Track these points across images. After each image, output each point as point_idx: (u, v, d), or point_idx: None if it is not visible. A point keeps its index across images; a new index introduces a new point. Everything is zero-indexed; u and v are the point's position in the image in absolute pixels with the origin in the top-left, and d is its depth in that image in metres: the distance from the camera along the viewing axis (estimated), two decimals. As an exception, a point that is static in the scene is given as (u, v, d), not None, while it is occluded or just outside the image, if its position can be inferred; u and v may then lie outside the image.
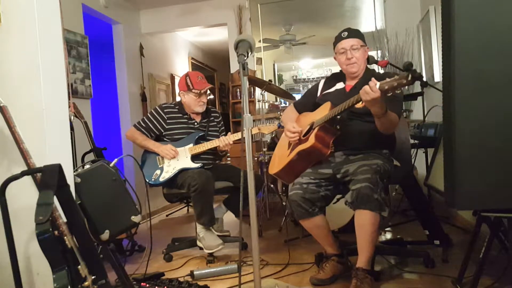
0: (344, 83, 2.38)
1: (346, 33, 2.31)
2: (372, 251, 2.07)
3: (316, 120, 2.22)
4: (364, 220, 2.00)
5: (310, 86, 2.71)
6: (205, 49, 7.51)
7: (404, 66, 1.75)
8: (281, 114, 3.73)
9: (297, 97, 3.49)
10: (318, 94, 2.45)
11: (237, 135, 2.90)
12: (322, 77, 2.55)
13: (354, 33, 2.31)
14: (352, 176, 2.08)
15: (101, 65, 5.00)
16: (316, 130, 2.16)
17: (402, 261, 2.49)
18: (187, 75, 3.04)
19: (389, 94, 1.83)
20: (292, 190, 2.23)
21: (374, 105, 1.95)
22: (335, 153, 2.25)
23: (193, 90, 2.96)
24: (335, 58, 2.38)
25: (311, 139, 2.16)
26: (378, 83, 1.84)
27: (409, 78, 1.71)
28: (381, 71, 3.96)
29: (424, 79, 3.66)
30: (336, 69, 2.53)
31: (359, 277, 2.01)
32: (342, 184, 2.21)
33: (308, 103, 2.49)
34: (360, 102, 1.96)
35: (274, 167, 2.41)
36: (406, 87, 1.78)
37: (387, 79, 1.82)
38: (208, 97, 3.09)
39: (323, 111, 2.21)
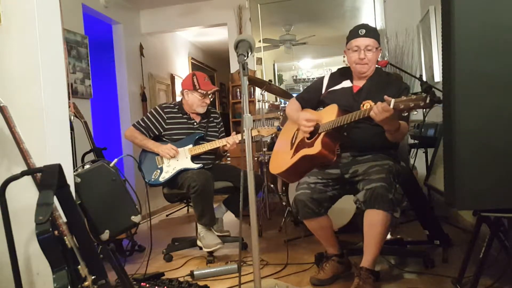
0: (351, 81, 2.30)
1: (364, 31, 2.19)
2: (379, 251, 2.04)
3: (322, 124, 2.15)
4: (376, 219, 1.97)
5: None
6: (205, 49, 7.50)
7: (424, 88, 1.70)
8: (281, 114, 3.74)
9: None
10: (323, 91, 2.37)
11: (239, 136, 2.89)
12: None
13: (372, 33, 2.21)
14: (365, 176, 2.04)
15: (101, 65, 5.00)
16: (322, 136, 2.10)
17: (402, 261, 2.49)
18: (193, 74, 3.04)
19: (405, 114, 1.77)
20: (299, 190, 2.18)
21: (386, 123, 1.91)
22: (341, 154, 2.19)
23: (199, 90, 2.95)
24: (345, 52, 2.29)
25: (317, 146, 2.09)
26: (392, 101, 1.77)
27: (427, 101, 1.67)
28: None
29: (424, 79, 3.67)
30: (336, 69, 2.46)
31: (362, 277, 1.99)
32: (349, 184, 2.18)
33: (312, 99, 2.40)
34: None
35: (277, 167, 2.36)
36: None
37: (403, 98, 1.74)
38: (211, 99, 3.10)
39: (330, 115, 2.13)
